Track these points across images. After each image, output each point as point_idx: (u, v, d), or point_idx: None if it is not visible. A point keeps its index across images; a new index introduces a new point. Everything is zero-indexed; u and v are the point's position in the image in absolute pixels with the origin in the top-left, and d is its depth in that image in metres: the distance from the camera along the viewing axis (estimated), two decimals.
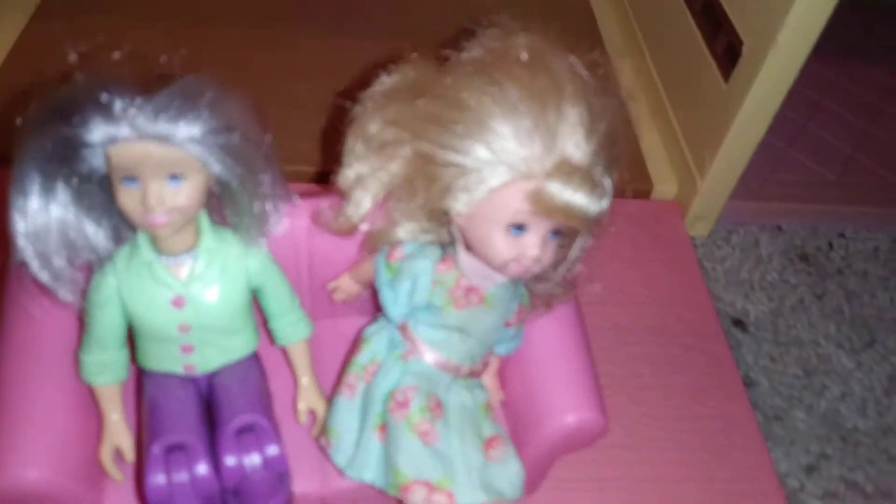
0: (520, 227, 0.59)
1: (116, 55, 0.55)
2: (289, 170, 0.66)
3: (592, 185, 0.56)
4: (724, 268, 1.24)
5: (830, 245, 1.31)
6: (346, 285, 0.75)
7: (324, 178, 0.68)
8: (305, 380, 0.72)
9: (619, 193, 0.61)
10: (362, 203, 0.65)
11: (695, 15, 1.24)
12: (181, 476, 0.60)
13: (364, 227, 0.69)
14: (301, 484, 0.69)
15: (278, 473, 0.64)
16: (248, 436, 0.63)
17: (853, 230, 1.33)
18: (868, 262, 1.29)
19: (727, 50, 1.12)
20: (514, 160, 0.56)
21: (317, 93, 1.16)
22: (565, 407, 0.69)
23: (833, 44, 1.07)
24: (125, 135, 0.53)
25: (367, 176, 0.65)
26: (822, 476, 1.00)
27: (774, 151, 1.39)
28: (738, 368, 1.07)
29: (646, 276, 1.16)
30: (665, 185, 1.28)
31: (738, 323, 1.16)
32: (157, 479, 0.59)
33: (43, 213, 0.56)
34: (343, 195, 0.66)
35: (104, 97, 0.52)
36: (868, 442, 1.04)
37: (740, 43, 1.08)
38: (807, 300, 1.21)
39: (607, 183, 0.58)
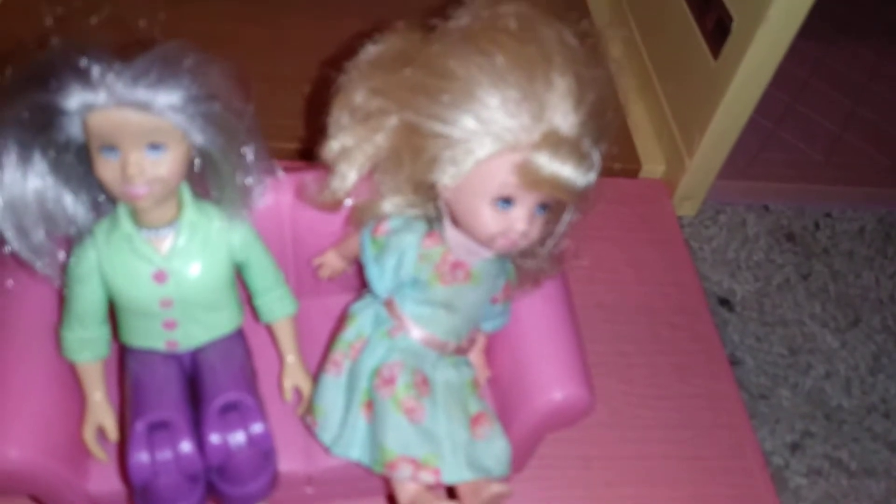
0: (507, 201, 0.58)
1: (94, 19, 0.53)
2: (273, 146, 0.65)
3: (580, 157, 0.56)
4: (711, 247, 1.24)
5: (817, 225, 1.31)
6: (332, 261, 0.74)
7: (308, 154, 0.66)
8: (290, 357, 0.71)
9: (606, 172, 0.60)
10: (347, 176, 0.64)
11: None
12: (165, 454, 0.59)
13: (349, 202, 0.68)
14: (286, 463, 0.68)
15: (263, 451, 0.63)
16: (233, 413, 0.62)
17: (839, 210, 1.34)
18: (854, 241, 1.29)
19: (717, 26, 1.11)
20: (502, 131, 0.55)
21: (301, 69, 1.14)
22: (552, 383, 0.69)
23: (821, 24, 1.07)
24: (103, 101, 0.52)
25: (352, 148, 0.63)
26: (807, 454, 1.01)
27: (762, 131, 1.39)
28: (724, 347, 1.07)
29: (633, 256, 1.16)
30: (653, 165, 1.28)
31: (725, 302, 1.16)
32: (141, 456, 0.59)
33: (20, 183, 0.55)
34: (328, 168, 0.65)
35: (82, 62, 0.51)
36: (852, 420, 1.05)
37: (730, 19, 1.07)
38: (793, 280, 1.21)
39: (595, 155, 0.58)
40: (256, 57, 1.25)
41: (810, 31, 1.03)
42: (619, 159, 1.26)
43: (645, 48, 1.38)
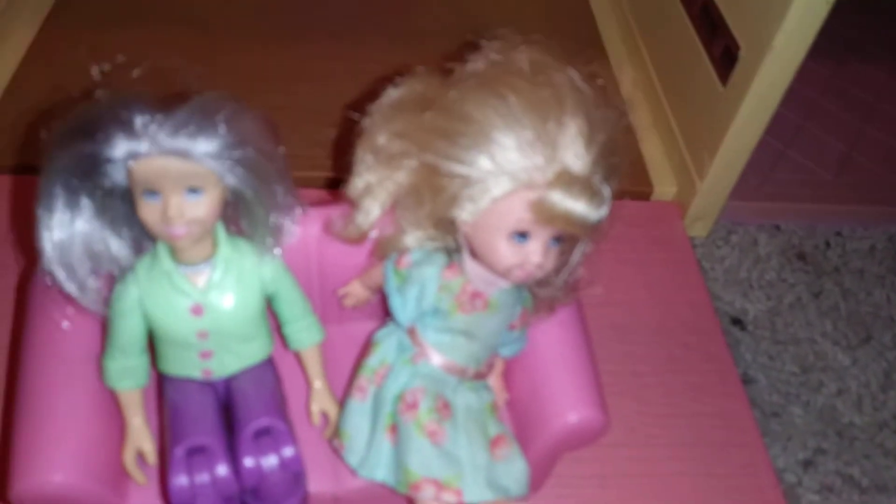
0: (523, 235, 0.61)
1: (136, 73, 0.58)
2: (300, 176, 0.69)
3: (592, 194, 0.58)
4: (723, 267, 1.26)
5: (828, 244, 1.33)
6: (356, 291, 0.78)
7: (334, 183, 0.70)
8: (318, 383, 0.74)
9: (619, 195, 0.63)
10: (371, 212, 0.68)
11: (693, 20, 1.26)
12: (203, 477, 0.63)
13: (373, 235, 0.71)
14: (315, 484, 0.71)
15: (294, 473, 0.67)
16: (266, 438, 0.66)
17: (850, 229, 1.36)
18: (864, 260, 1.31)
19: (724, 54, 1.14)
20: (517, 170, 0.58)
21: (325, 100, 1.19)
22: (568, 406, 0.72)
23: (830, 44, 1.09)
24: (146, 150, 0.56)
25: (375, 185, 0.67)
26: (819, 471, 1.03)
27: (772, 151, 1.41)
28: (737, 366, 1.10)
29: (646, 277, 1.18)
30: (665, 187, 1.30)
31: (737, 321, 1.19)
32: (180, 480, 0.62)
33: (68, 226, 0.59)
34: (353, 204, 0.69)
35: (126, 114, 0.55)
36: (864, 437, 1.07)
37: (737, 47, 1.10)
38: (804, 298, 1.23)
39: (606, 191, 0.61)
40: (282, 88, 1.30)
41: (819, 51, 1.05)
42: (632, 182, 1.29)
43: (656, 75, 1.41)
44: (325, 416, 0.75)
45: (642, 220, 1.26)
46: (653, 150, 1.35)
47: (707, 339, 1.11)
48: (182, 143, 0.56)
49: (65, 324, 0.66)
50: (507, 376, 0.79)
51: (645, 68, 1.44)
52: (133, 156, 0.56)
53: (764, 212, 1.34)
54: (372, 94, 0.67)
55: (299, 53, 1.42)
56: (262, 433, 0.66)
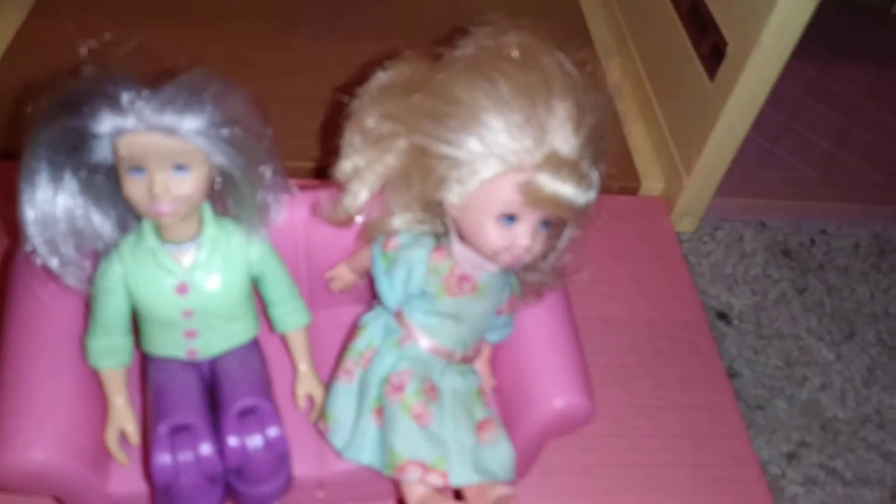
0: (511, 218, 0.61)
1: (124, 50, 0.57)
2: (288, 165, 0.68)
3: (580, 177, 0.59)
4: (710, 262, 1.27)
5: (812, 241, 1.34)
6: (343, 274, 0.78)
7: (322, 173, 0.70)
8: (304, 366, 0.74)
9: (607, 189, 0.64)
10: (359, 194, 0.68)
11: (681, 16, 1.27)
12: (186, 456, 0.62)
13: (360, 219, 0.71)
14: (299, 467, 0.71)
15: (279, 454, 0.66)
16: (250, 418, 0.65)
17: (835, 227, 1.37)
18: (849, 257, 1.32)
19: (712, 50, 1.15)
20: (506, 153, 0.58)
21: (314, 91, 1.18)
22: (554, 392, 0.72)
23: (816, 44, 1.10)
24: (132, 126, 0.55)
25: (363, 168, 0.67)
26: (803, 463, 1.03)
27: (759, 150, 1.42)
28: (723, 360, 1.10)
29: (633, 271, 1.19)
30: (652, 182, 1.31)
31: (723, 316, 1.19)
32: (163, 458, 0.62)
33: (51, 202, 0.59)
34: (341, 187, 0.69)
35: (113, 90, 0.54)
36: (847, 431, 1.08)
37: (725, 43, 1.11)
38: (789, 294, 1.24)
39: (594, 175, 0.61)
40: (272, 79, 1.30)
41: (806, 53, 1.06)
42: (620, 177, 1.29)
43: (644, 70, 1.42)
44: (310, 399, 0.74)
45: (630, 215, 1.27)
46: (640, 145, 1.36)
47: (693, 332, 1.12)
48: (169, 119, 0.55)
49: (46, 298, 0.66)
50: (494, 362, 0.79)
51: (633, 64, 1.45)
52: (119, 131, 0.56)
53: (750, 209, 1.35)
54: (361, 78, 0.67)
55: (290, 44, 1.42)
56: (247, 413, 0.65)
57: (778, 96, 1.12)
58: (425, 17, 1.47)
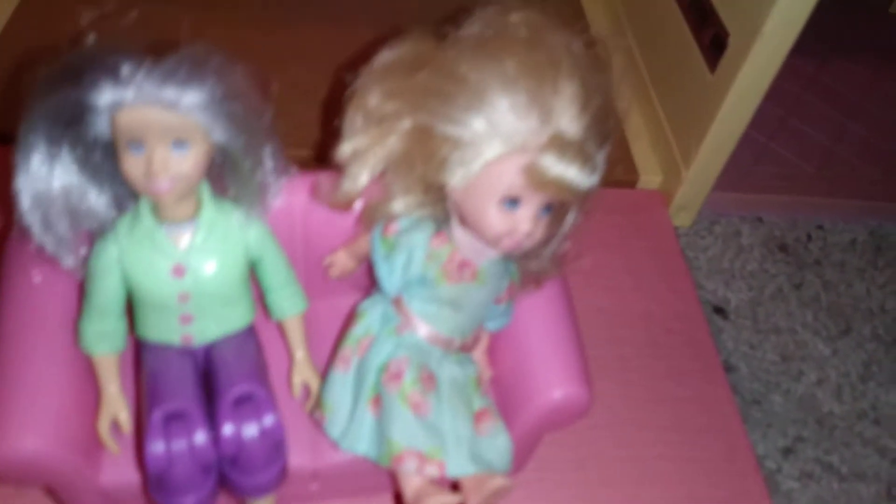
0: (513, 202, 0.60)
1: (125, 22, 0.56)
2: (287, 153, 0.67)
3: (585, 159, 0.58)
4: (707, 257, 1.26)
5: (809, 236, 1.34)
6: (342, 261, 0.76)
7: (322, 161, 0.68)
8: (300, 354, 0.73)
9: (605, 182, 0.62)
10: (359, 177, 0.66)
11: (682, 6, 1.26)
12: (180, 444, 0.61)
13: (358, 206, 0.69)
14: (294, 458, 0.70)
15: (275, 442, 0.65)
16: (246, 405, 0.64)
17: (831, 222, 1.37)
18: (845, 253, 1.32)
19: (714, 41, 1.14)
20: (511, 133, 0.57)
21: (315, 77, 1.17)
22: (552, 382, 0.71)
23: (814, 41, 1.10)
24: (131, 99, 0.54)
25: (364, 150, 0.65)
26: (799, 458, 1.03)
27: (756, 145, 1.42)
28: (719, 354, 1.10)
29: (631, 264, 1.18)
30: (650, 176, 1.30)
31: (720, 310, 1.19)
32: (157, 446, 0.60)
33: (47, 177, 0.57)
34: (340, 170, 0.67)
35: (113, 61, 0.53)
36: (843, 425, 1.07)
37: (726, 34, 1.10)
38: (785, 289, 1.24)
39: (599, 157, 0.60)
40: (272, 64, 1.27)
41: (804, 49, 1.06)
42: (618, 170, 1.29)
43: (643, 61, 1.41)
44: (306, 387, 0.73)
45: (627, 208, 1.26)
46: (639, 139, 1.35)
47: (690, 326, 1.11)
48: (169, 93, 0.54)
49: (37, 279, 0.64)
50: (492, 351, 0.78)
51: (632, 55, 1.43)
52: (118, 104, 0.54)
53: (747, 204, 1.35)
54: (364, 57, 0.65)
55: (291, 32, 1.39)
56: (243, 400, 0.64)
57: (775, 92, 1.11)
58: (428, 3, 1.46)
